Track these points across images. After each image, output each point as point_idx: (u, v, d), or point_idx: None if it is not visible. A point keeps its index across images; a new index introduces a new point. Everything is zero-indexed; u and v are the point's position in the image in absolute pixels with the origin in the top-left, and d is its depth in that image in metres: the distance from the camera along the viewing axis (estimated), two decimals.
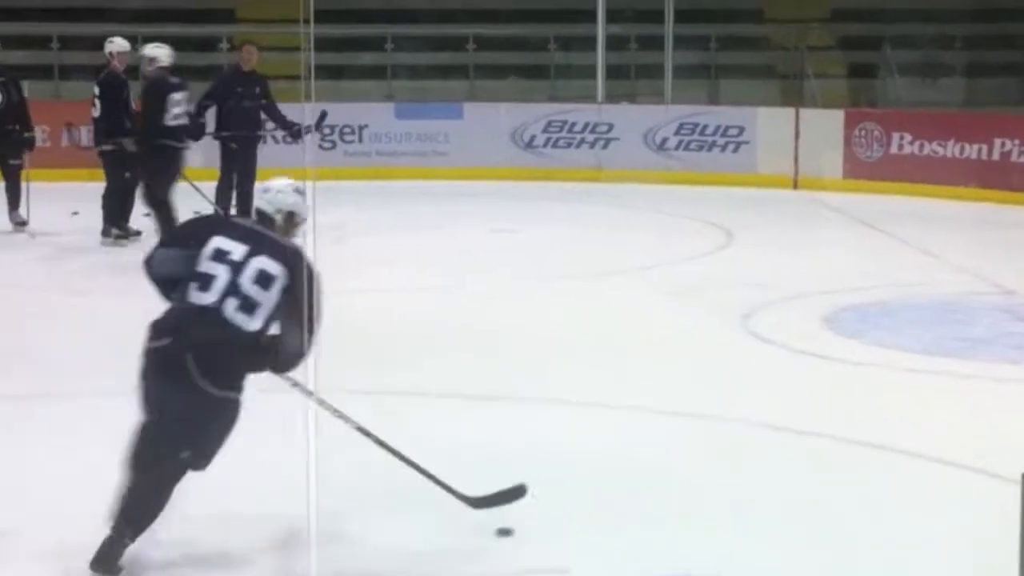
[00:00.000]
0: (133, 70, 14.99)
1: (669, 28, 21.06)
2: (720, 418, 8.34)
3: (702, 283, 12.62)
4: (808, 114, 19.47)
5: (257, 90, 14.81)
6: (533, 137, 20.00)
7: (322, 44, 22.10)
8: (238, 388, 5.81)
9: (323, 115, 15.59)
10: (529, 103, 20.74)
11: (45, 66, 21.61)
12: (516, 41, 22.97)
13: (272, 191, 6.12)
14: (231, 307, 5.72)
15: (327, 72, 22.47)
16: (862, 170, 18.86)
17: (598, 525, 6.55)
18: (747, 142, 19.48)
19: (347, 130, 19.81)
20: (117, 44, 14.55)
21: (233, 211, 14.71)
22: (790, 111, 19.58)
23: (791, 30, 23.03)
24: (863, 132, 18.99)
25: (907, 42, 23.16)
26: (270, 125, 15.13)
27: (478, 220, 16.29)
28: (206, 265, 5.78)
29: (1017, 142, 17.83)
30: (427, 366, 9.62)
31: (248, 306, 5.73)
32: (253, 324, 5.74)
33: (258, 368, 5.86)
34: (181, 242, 6.01)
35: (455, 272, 13.27)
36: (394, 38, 22.37)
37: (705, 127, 19.65)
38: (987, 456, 7.33)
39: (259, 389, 6.08)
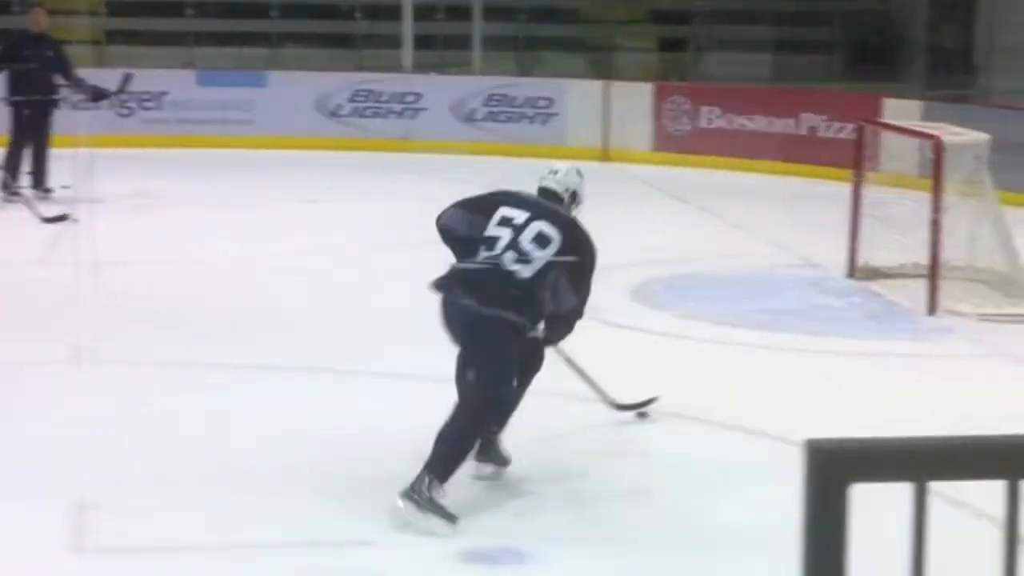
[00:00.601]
0: None
1: None
2: (531, 391, 8.22)
3: None
4: (618, 87, 19.44)
5: (49, 54, 14.27)
6: (339, 106, 19.69)
7: (121, 8, 21.69)
8: (508, 310, 6.50)
9: (127, 78, 15.00)
10: (335, 72, 20.40)
11: None
12: (321, 9, 22.68)
13: (560, 172, 7.15)
14: (509, 259, 6.56)
15: (125, 37, 21.94)
16: (671, 143, 18.93)
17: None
18: (557, 114, 19.42)
19: (146, 97, 19.25)
20: None
21: (27, 179, 14.21)
22: (599, 84, 19.55)
23: (601, 3, 23.05)
24: (672, 105, 19.05)
25: (717, 17, 23.33)
26: (68, 90, 14.56)
27: (285, 190, 15.95)
28: (492, 230, 6.65)
29: (824, 117, 18.04)
30: (240, 339, 9.46)
31: (524, 259, 6.55)
32: (525, 273, 6.55)
33: (528, 314, 6.57)
34: (473, 207, 6.83)
35: (262, 243, 13.01)
36: (195, 4, 21.97)
37: (514, 98, 19.53)
38: (788, 424, 7.33)
39: None
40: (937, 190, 10.87)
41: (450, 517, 6.12)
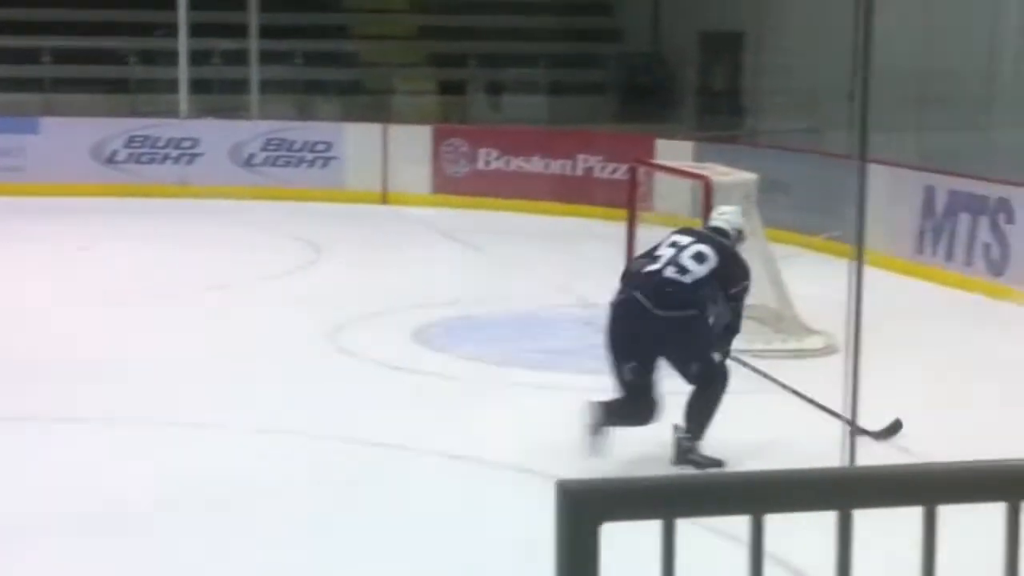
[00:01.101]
0: None
1: (254, 43, 20.85)
2: (312, 435, 8.27)
3: (291, 299, 12.54)
4: (396, 130, 19.57)
5: None
6: (115, 152, 19.44)
7: None
8: (680, 310, 7.80)
9: None
10: (110, 117, 20.14)
11: None
12: (95, 54, 22.31)
13: (728, 214, 8.57)
14: (670, 271, 7.88)
15: None
16: (450, 185, 19.09)
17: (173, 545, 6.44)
18: (336, 157, 19.43)
19: None
20: None
21: None
22: (378, 127, 19.62)
23: (378, 47, 23.16)
24: (450, 148, 19.22)
25: (494, 60, 23.60)
26: None
27: (59, 238, 15.69)
28: (660, 251, 8.07)
29: (599, 158, 18.38)
30: (10, 390, 9.29)
31: (682, 271, 7.87)
32: (684, 279, 7.83)
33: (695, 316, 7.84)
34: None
35: (33, 291, 12.78)
36: None
37: (293, 143, 19.51)
38: (563, 464, 7.38)
39: None
40: None
41: (718, 462, 7.68)
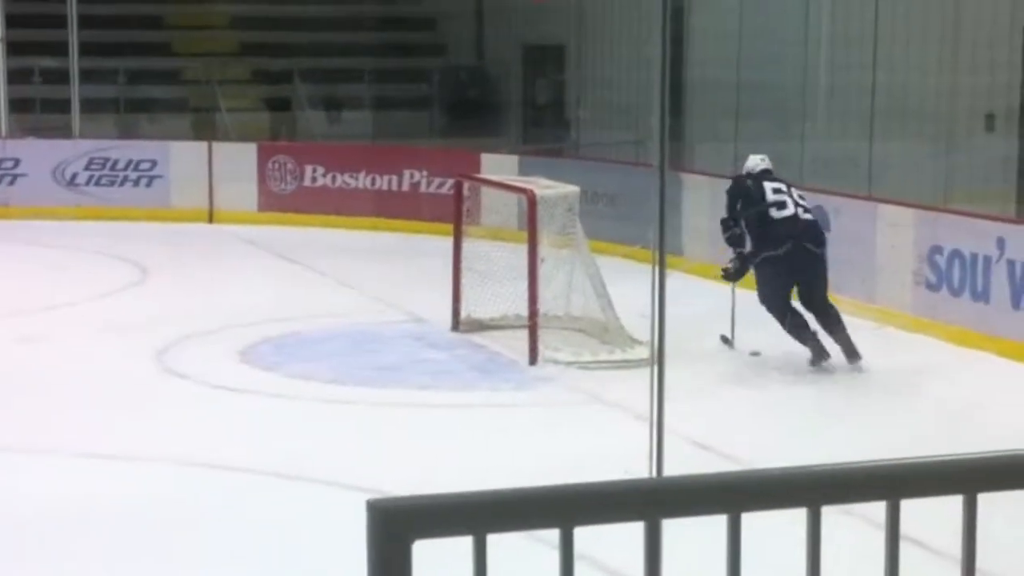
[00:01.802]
0: None
1: (74, 61, 20.56)
2: (138, 458, 8.23)
3: (116, 320, 12.41)
4: (222, 148, 19.44)
5: None
6: None
7: None
8: (825, 246, 10.75)
9: None
10: None
11: None
12: None
13: (766, 159, 11.16)
14: (807, 215, 10.76)
15: None
16: (277, 203, 19.04)
17: None
18: (160, 176, 19.22)
19: None
20: None
21: None
22: (203, 145, 19.48)
23: (202, 64, 22.98)
24: (276, 165, 19.17)
25: (317, 76, 23.56)
26: None
27: None
28: (773, 197, 10.69)
29: (425, 173, 18.47)
30: None
31: (806, 210, 10.80)
32: (815, 218, 11.03)
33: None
34: (745, 191, 10.92)
35: None
36: None
37: (116, 161, 19.22)
38: (387, 480, 7.42)
39: None
40: (532, 241, 11.20)
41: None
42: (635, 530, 2.14)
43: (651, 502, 2.14)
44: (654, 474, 6.68)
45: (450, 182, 14.72)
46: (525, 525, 2.08)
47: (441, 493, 2.01)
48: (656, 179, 7.17)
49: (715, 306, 11.79)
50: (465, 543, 2.01)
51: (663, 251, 7.08)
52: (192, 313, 12.71)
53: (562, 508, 2.09)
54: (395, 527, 1.95)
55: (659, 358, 7.00)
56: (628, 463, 7.00)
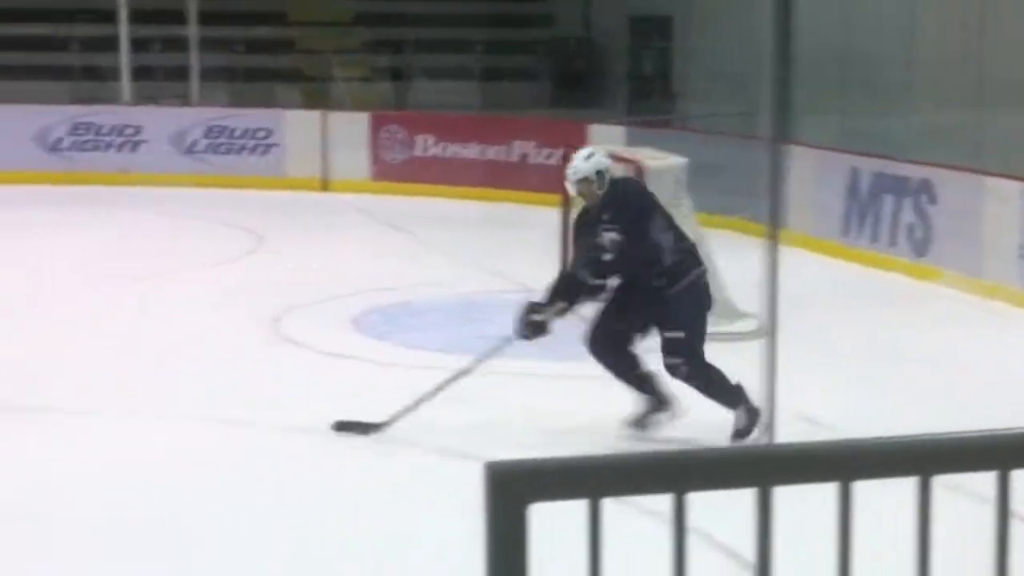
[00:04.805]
0: None
1: (194, 30, 20.94)
2: (252, 423, 8.40)
3: (233, 287, 12.66)
4: (335, 117, 19.69)
5: None
6: (59, 139, 19.49)
7: None
8: None
9: None
10: (54, 105, 20.14)
11: None
12: (37, 41, 22.28)
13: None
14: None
15: None
16: (388, 172, 19.26)
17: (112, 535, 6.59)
18: (276, 145, 19.56)
19: None
20: None
21: None
22: (317, 114, 19.76)
23: (316, 33, 23.25)
24: (388, 134, 19.39)
25: (429, 46, 23.73)
26: None
27: (4, 227, 15.74)
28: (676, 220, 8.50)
29: (533, 143, 18.56)
30: None
31: None
32: None
33: None
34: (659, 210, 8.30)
35: None
36: None
37: (233, 130, 19.60)
38: (503, 448, 7.54)
39: None
40: None
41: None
42: (737, 504, 2.21)
43: (764, 468, 2.14)
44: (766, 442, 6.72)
45: (558, 152, 14.81)
46: (639, 490, 2.08)
47: (556, 457, 2.02)
48: (767, 151, 7.22)
49: (821, 279, 11.85)
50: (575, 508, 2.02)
51: (776, 224, 7.11)
52: (305, 281, 12.93)
53: (676, 473, 2.09)
54: (511, 490, 1.96)
55: (772, 330, 7.06)
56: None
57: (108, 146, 19.56)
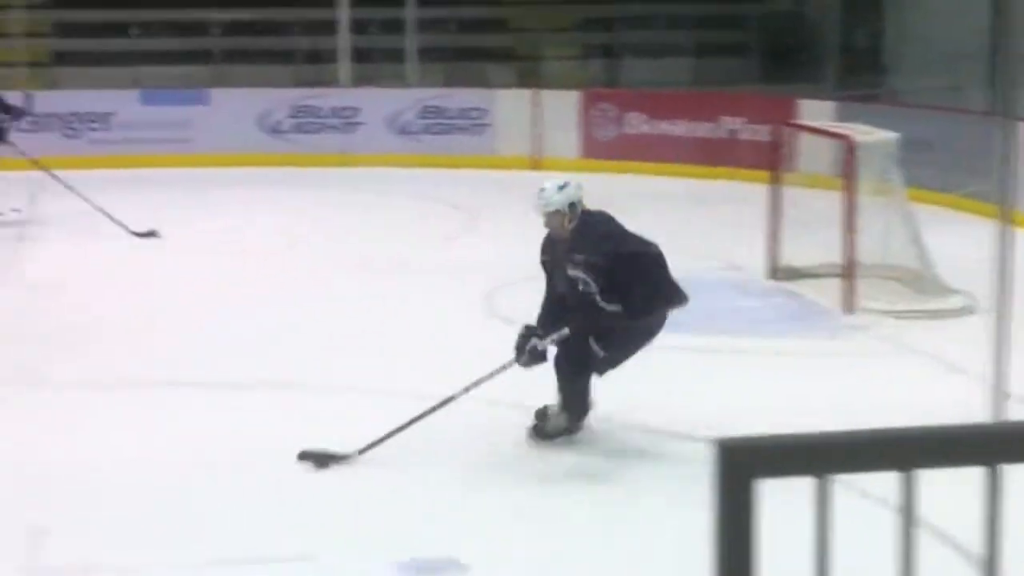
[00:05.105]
0: None
1: (411, 11, 21.31)
2: (465, 399, 8.58)
3: (447, 265, 12.92)
4: (546, 95, 19.85)
5: None
6: (279, 122, 20.03)
7: (66, 30, 21.85)
8: None
9: (27, 97, 15.65)
10: (275, 88, 20.68)
11: None
12: (261, 26, 22.83)
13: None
14: None
15: (73, 59, 22.17)
16: (598, 150, 19.41)
17: (347, 506, 6.92)
18: (488, 124, 19.85)
19: (92, 117, 19.60)
20: None
21: None
22: (528, 93, 19.97)
23: (527, 12, 23.44)
24: (599, 112, 19.56)
25: (640, 23, 23.76)
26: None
27: (229, 207, 16.23)
28: None
29: (743, 120, 18.57)
30: (197, 357, 9.79)
31: None
32: None
33: None
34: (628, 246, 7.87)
35: (209, 261, 13.28)
36: (140, 23, 22.11)
37: (447, 110, 19.96)
38: (709, 424, 7.70)
39: None
40: (850, 189, 11.25)
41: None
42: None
43: (994, 446, 2.10)
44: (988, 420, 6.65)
45: (768, 129, 14.85)
46: (866, 467, 2.06)
47: (784, 434, 2.02)
48: (986, 127, 7.15)
49: None
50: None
51: (1008, 202, 6.98)
52: (519, 259, 13.12)
53: (905, 451, 2.07)
54: (740, 465, 1.98)
55: (1001, 310, 6.98)
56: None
57: (327, 128, 20.04)
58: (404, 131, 19.99)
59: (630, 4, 23.79)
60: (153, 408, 8.61)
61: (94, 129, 19.60)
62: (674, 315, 10.70)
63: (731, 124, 18.76)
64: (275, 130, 19.97)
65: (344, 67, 21.03)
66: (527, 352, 7.70)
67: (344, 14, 21.03)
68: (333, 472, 7.36)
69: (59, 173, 14.95)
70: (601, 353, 7.62)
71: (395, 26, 21.53)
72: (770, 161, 12.73)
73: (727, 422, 7.78)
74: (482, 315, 11.05)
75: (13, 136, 14.58)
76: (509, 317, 10.83)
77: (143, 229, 14.21)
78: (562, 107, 19.62)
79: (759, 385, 9.19)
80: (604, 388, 8.81)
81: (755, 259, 12.27)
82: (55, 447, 7.81)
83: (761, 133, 17.32)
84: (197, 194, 17.21)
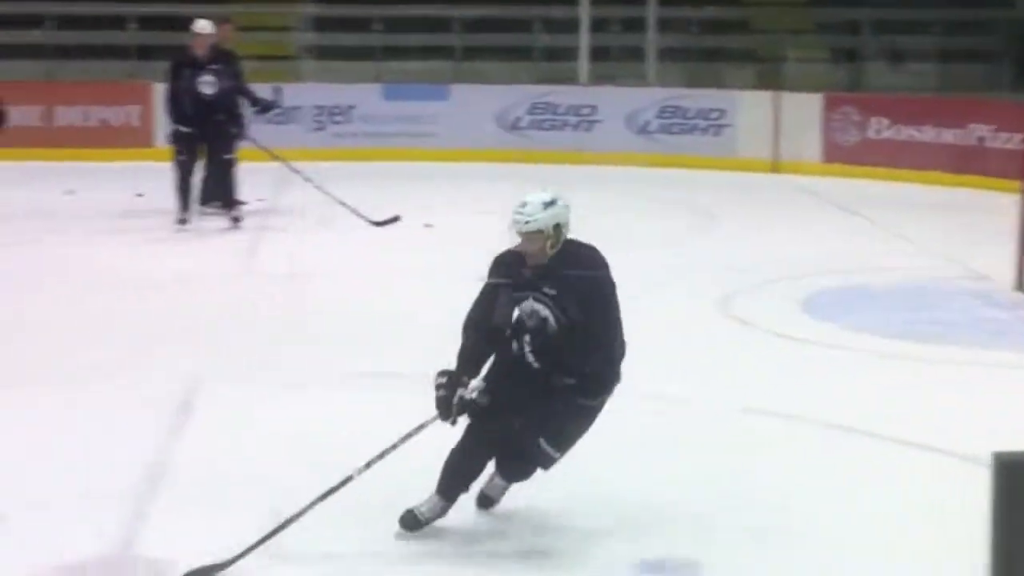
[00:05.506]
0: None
1: (652, 10, 21.27)
2: (700, 401, 8.54)
3: (683, 266, 12.85)
4: (787, 98, 19.68)
5: (231, 70, 14.59)
6: (518, 119, 20.18)
7: (311, 24, 22.34)
8: None
9: (278, 91, 15.98)
10: (514, 84, 20.84)
11: None
12: (502, 23, 23.03)
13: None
14: None
15: (316, 52, 22.68)
16: (840, 154, 19.13)
17: (574, 508, 6.79)
18: (728, 125, 19.72)
19: (335, 111, 20.00)
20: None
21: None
22: (769, 95, 19.79)
23: (769, 13, 23.23)
24: (841, 116, 19.27)
25: (884, 27, 23.38)
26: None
27: (466, 202, 16.33)
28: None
29: (992, 127, 18.09)
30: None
31: None
32: None
33: None
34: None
35: (448, 256, 13.17)
36: (382, 19, 22.50)
37: (687, 110, 19.88)
38: (958, 438, 7.52)
39: None
40: None
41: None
42: None
43: None
44: None
45: (1018, 137, 14.45)
46: None
47: None
48: None
49: None
50: None
51: None
52: (755, 261, 13.05)
53: None
54: (1019, 479, 1.96)
55: None
56: None
57: (564, 125, 20.12)
58: (642, 130, 19.97)
59: (873, 8, 23.38)
60: (391, 400, 8.31)
61: (337, 122, 19.98)
62: (909, 323, 10.63)
63: (980, 131, 18.26)
64: (514, 127, 20.13)
65: (583, 65, 21.09)
66: (454, 407, 6.16)
67: (585, 12, 21.10)
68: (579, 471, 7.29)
69: (302, 165, 15.18)
70: (556, 455, 6.40)
71: (636, 25, 21.55)
72: (1020, 170, 12.36)
73: (981, 436, 7.39)
74: (717, 315, 10.98)
75: (253, 130, 14.79)
76: (744, 319, 10.77)
77: (383, 218, 14.38)
78: (803, 110, 19.42)
79: (1000, 399, 8.82)
80: (836, 395, 8.67)
81: (1001, 270, 11.94)
82: (295, 437, 7.78)
83: (1012, 141, 16.95)
84: (438, 188, 17.39)
